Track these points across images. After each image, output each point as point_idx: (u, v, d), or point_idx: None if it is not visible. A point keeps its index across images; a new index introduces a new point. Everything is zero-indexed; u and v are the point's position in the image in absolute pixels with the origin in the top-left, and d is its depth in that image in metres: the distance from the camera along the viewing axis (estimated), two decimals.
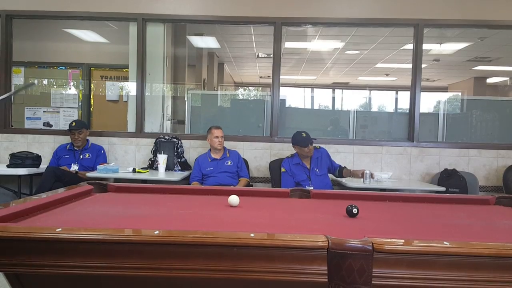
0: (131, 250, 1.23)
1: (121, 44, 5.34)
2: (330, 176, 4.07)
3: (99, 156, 4.48)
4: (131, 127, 4.85)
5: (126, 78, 5.77)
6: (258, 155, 4.65)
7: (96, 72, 6.83)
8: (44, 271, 1.26)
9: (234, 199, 1.98)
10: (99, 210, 1.84)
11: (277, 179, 4.22)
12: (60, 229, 1.26)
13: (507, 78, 9.88)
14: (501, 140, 4.71)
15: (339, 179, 4.03)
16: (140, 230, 1.30)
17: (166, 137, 4.53)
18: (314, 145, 3.90)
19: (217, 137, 4.17)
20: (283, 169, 4.00)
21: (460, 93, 10.67)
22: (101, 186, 2.36)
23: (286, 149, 4.56)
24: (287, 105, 5.40)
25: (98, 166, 4.11)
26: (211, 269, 1.23)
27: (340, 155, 4.52)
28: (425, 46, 4.72)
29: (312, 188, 3.79)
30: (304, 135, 3.90)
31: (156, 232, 1.23)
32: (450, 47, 7.23)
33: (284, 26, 4.79)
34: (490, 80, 10.24)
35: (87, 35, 6.45)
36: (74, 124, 4.37)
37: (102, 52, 6.85)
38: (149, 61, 4.88)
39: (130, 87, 5.00)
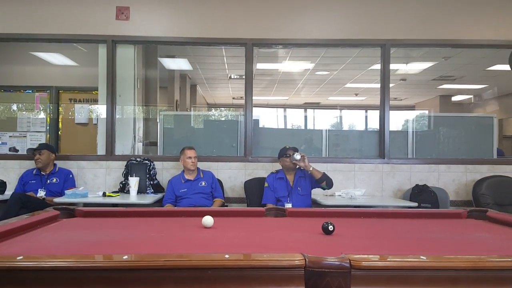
0: (99, 277, 1.16)
1: (90, 67, 5.25)
2: (318, 191, 4.05)
3: (67, 180, 4.33)
4: (101, 150, 4.73)
5: (95, 101, 5.66)
6: (233, 175, 4.61)
7: (64, 95, 6.68)
8: None
9: (208, 220, 1.93)
10: (65, 236, 1.75)
11: (253, 198, 4.19)
12: (21, 257, 1.18)
13: (471, 96, 10.29)
14: (469, 155, 4.84)
15: (317, 199, 4.02)
16: (107, 256, 1.23)
17: (138, 159, 4.43)
18: (297, 166, 3.88)
19: (190, 157, 4.11)
20: (266, 184, 3.99)
21: (427, 111, 10.99)
22: (68, 211, 2.26)
23: (260, 169, 4.55)
24: (260, 125, 5.41)
25: (66, 191, 3.96)
26: None
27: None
28: (392, 66, 4.86)
29: (290, 205, 3.80)
30: (287, 147, 3.97)
31: (125, 257, 1.17)
32: (416, 67, 7.48)
33: (256, 47, 4.84)
34: (455, 98, 10.63)
35: (55, 58, 6.33)
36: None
37: (71, 75, 6.72)
38: (119, 83, 4.80)
39: (100, 110, 4.90)
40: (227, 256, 1.20)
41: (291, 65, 7.58)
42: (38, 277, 1.17)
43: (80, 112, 6.35)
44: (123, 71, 4.84)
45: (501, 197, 4.30)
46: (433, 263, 1.22)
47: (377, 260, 1.22)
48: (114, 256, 1.20)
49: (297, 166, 3.95)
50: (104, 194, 4.02)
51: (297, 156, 3.79)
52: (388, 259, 1.23)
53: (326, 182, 3.85)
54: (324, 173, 3.87)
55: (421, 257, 1.23)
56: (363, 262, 1.19)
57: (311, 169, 3.84)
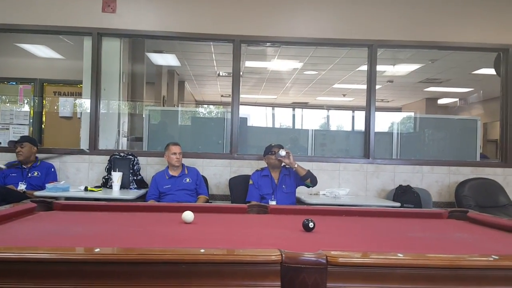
0: (70, 270, 1.13)
1: (76, 60, 5.17)
2: (302, 190, 4.06)
3: (49, 174, 4.25)
4: (85, 144, 4.66)
5: (80, 94, 5.58)
6: (218, 172, 4.58)
7: (49, 87, 6.57)
8: None
9: (188, 215, 1.90)
10: (40, 229, 1.71)
11: (237, 196, 4.17)
12: None
13: (457, 99, 10.41)
14: (452, 157, 4.88)
15: (302, 198, 4.02)
16: (79, 248, 1.20)
17: (122, 154, 4.37)
18: (282, 163, 3.87)
19: (174, 153, 4.07)
20: (250, 181, 3.97)
21: (413, 113, 11.12)
22: (46, 204, 2.21)
23: (246, 166, 4.53)
24: (249, 124, 5.39)
25: (47, 185, 3.89)
26: None
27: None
28: (380, 68, 4.88)
29: (274, 203, 3.79)
30: (272, 144, 3.96)
31: (96, 250, 1.14)
32: (403, 69, 7.54)
33: (244, 45, 4.82)
34: (441, 101, 10.76)
35: (40, 50, 6.22)
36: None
37: (56, 67, 6.61)
38: (104, 77, 4.73)
39: (84, 104, 4.83)
40: (202, 250, 1.18)
41: (280, 64, 7.57)
42: (7, 269, 1.14)
43: (65, 105, 6.25)
44: (109, 64, 4.76)
45: (483, 199, 4.35)
46: (410, 261, 1.22)
47: (354, 257, 1.21)
48: (86, 249, 1.17)
49: (282, 164, 3.94)
50: (86, 189, 3.96)
51: (282, 152, 3.78)
52: (365, 256, 1.22)
53: (310, 180, 3.85)
54: (308, 170, 3.87)
55: (399, 254, 1.23)
56: (340, 259, 1.18)
57: (296, 166, 3.83)
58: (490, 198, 4.40)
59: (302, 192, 4.17)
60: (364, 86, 4.82)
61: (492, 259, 1.28)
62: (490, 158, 6.48)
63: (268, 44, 5.08)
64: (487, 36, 4.65)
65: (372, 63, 4.68)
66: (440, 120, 5.80)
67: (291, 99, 11.66)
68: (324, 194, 4.27)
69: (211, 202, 4.27)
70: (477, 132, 5.06)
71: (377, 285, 1.19)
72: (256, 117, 9.94)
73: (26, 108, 6.20)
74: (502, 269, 1.26)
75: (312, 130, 5.23)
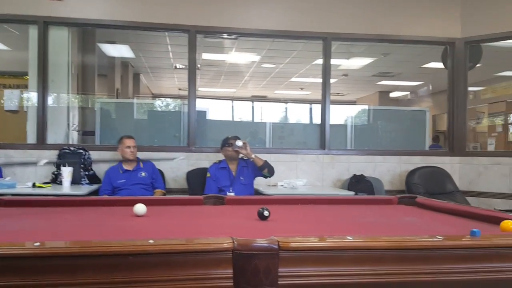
0: (6, 265, 1.06)
1: (22, 50, 4.90)
2: (260, 181, 4.05)
3: None
4: (32, 138, 4.43)
5: (27, 86, 5.30)
6: (175, 166, 4.50)
7: None
8: None
9: (139, 208, 1.85)
10: None
11: (196, 188, 4.12)
12: None
13: (408, 93, 10.82)
14: (403, 147, 5.06)
15: (260, 189, 4.03)
16: (16, 243, 1.13)
17: (72, 148, 4.20)
18: (239, 155, 3.84)
19: (129, 147, 3.96)
20: (208, 174, 3.93)
21: (367, 106, 11.45)
22: None
23: (204, 159, 4.48)
24: (208, 117, 5.33)
25: None
26: (104, 283, 1.10)
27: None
28: (335, 61, 4.97)
29: (232, 195, 3.78)
30: (229, 136, 3.96)
31: (36, 244, 1.08)
32: (357, 63, 7.73)
33: (200, 36, 4.74)
34: (393, 94, 11.14)
35: None
36: None
37: (1, 59, 6.25)
38: (52, 68, 4.51)
39: (31, 96, 4.59)
40: (151, 241, 1.14)
41: (238, 56, 7.55)
42: None
43: (10, 98, 5.91)
44: (57, 55, 4.55)
45: (431, 186, 4.55)
46: (358, 243, 1.24)
47: (305, 241, 1.22)
48: (24, 243, 1.11)
49: (240, 156, 3.94)
50: (33, 185, 3.78)
51: (239, 143, 3.77)
52: (316, 240, 1.24)
53: (267, 170, 3.88)
54: (265, 160, 3.90)
55: (348, 237, 1.25)
56: (291, 244, 1.18)
57: (253, 156, 3.85)
58: (438, 185, 4.61)
59: (260, 183, 4.19)
60: (320, 80, 4.89)
61: (436, 239, 1.32)
62: (443, 147, 6.78)
63: (224, 35, 5.03)
64: (435, 29, 4.84)
65: (326, 56, 4.75)
66: (391, 112, 6.01)
67: (250, 93, 11.67)
68: (282, 185, 4.31)
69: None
70: (426, 123, 5.27)
71: (328, 268, 1.20)
72: (216, 110, 9.87)
73: None
74: (447, 249, 1.31)
75: (270, 123, 5.27)
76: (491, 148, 7.26)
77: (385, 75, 8.90)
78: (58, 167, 4.07)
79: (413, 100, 10.75)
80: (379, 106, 10.57)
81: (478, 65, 5.10)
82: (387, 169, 4.76)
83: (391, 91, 10.91)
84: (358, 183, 4.34)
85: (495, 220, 1.71)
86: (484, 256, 1.30)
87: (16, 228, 1.57)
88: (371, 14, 4.77)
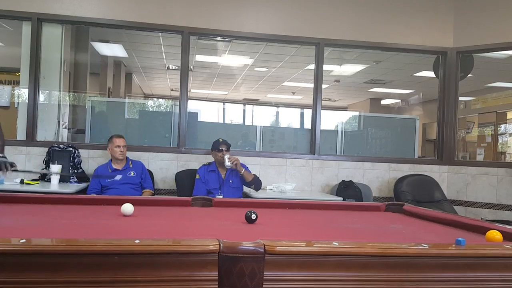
0: None
1: (15, 46, 4.86)
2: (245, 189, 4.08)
3: None
4: (22, 135, 4.39)
5: (18, 82, 5.25)
6: (165, 166, 4.48)
7: None
8: None
9: (126, 207, 1.84)
10: None
11: (184, 190, 4.10)
12: None
13: (399, 100, 10.90)
14: (392, 155, 5.10)
15: (249, 193, 4.04)
16: (3, 239, 1.12)
17: (61, 146, 4.17)
18: (228, 157, 3.82)
19: (118, 146, 3.93)
20: (197, 176, 3.93)
21: (357, 112, 11.54)
22: None
23: (194, 160, 4.47)
24: (200, 119, 5.33)
25: None
26: (88, 281, 1.09)
27: (248, 166, 4.54)
28: (327, 67, 5.00)
29: (221, 197, 3.78)
30: (220, 140, 3.94)
31: (22, 241, 1.07)
32: (349, 69, 7.78)
33: (193, 38, 4.75)
34: (384, 102, 11.22)
35: None
36: None
37: None
38: (44, 65, 4.47)
39: (22, 92, 4.55)
40: (137, 241, 1.14)
41: (231, 59, 7.55)
42: None
43: (1, 94, 5.86)
44: (49, 52, 4.52)
45: (419, 194, 4.58)
46: (344, 249, 1.25)
47: (291, 246, 1.22)
48: (9, 240, 1.10)
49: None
50: (22, 182, 3.74)
51: (228, 163, 3.76)
52: (302, 245, 1.24)
53: (254, 186, 3.94)
54: (254, 176, 3.94)
55: (334, 243, 1.26)
56: (277, 247, 1.18)
57: (242, 172, 3.88)
58: (427, 193, 4.64)
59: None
60: (312, 85, 4.92)
61: (422, 247, 1.33)
62: (427, 157, 6.85)
63: (218, 37, 5.04)
64: (427, 39, 4.89)
65: (319, 62, 4.77)
66: (382, 119, 6.05)
67: (242, 96, 11.68)
68: (271, 189, 4.32)
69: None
70: (415, 131, 5.32)
71: (313, 273, 1.21)
72: (207, 112, 9.87)
73: None
74: (432, 257, 1.32)
75: (261, 126, 5.28)
76: (480, 158, 7.35)
77: (376, 82, 8.97)
78: (48, 165, 4.03)
79: (403, 108, 10.84)
80: (370, 113, 10.65)
81: (469, 75, 5.17)
82: (376, 176, 4.79)
83: (382, 99, 10.99)
84: (346, 189, 4.36)
85: (481, 230, 1.73)
86: (469, 265, 1.32)
87: (2, 225, 1.55)
88: (364, 21, 4.81)
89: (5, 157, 2.01)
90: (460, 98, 5.31)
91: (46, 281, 1.07)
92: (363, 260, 1.27)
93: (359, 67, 7.60)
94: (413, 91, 9.82)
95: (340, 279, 1.25)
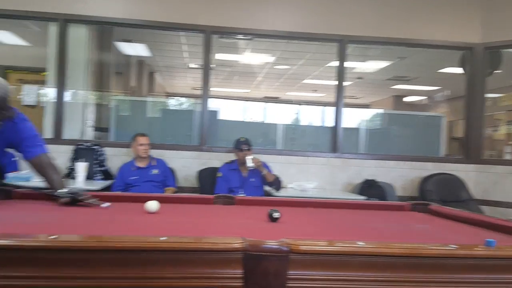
0: (23, 257, 1.08)
1: (42, 47, 4.99)
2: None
3: (10, 164, 4.09)
4: (48, 133, 4.51)
5: (44, 82, 5.39)
6: (187, 164, 4.53)
7: (13, 75, 6.32)
8: None
9: (151, 204, 1.87)
10: None
11: (206, 188, 4.14)
12: None
13: (424, 97, 10.69)
14: (417, 153, 5.01)
15: (270, 191, 4.05)
16: (34, 235, 1.16)
17: (86, 144, 4.25)
18: (251, 158, 3.82)
19: (142, 144, 4.00)
20: (219, 174, 3.96)
21: (381, 110, 11.37)
22: (4, 192, 2.12)
23: (215, 158, 4.50)
24: (220, 117, 5.36)
25: (8, 174, 3.73)
26: (116, 277, 1.11)
27: (268, 164, 4.53)
28: (349, 64, 4.95)
29: (243, 195, 3.79)
30: (242, 139, 3.94)
31: (52, 237, 1.10)
32: (372, 66, 7.67)
33: (215, 36, 4.77)
34: (407, 99, 11.02)
35: (3, 35, 5.95)
36: None
37: (21, 54, 6.36)
38: (69, 65, 4.58)
39: (49, 92, 4.66)
40: (163, 238, 1.16)
41: (252, 57, 7.55)
42: None
43: (29, 93, 6.03)
44: (75, 52, 4.62)
45: (445, 194, 4.49)
46: (370, 249, 1.23)
47: (316, 245, 1.21)
48: (41, 236, 1.13)
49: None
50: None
51: (250, 163, 3.77)
52: (326, 244, 1.23)
53: (275, 187, 3.98)
54: (276, 177, 3.94)
55: (359, 242, 1.24)
56: (302, 247, 1.17)
57: (264, 172, 3.88)
58: (452, 193, 4.55)
59: None
60: (333, 82, 4.87)
61: (450, 248, 1.30)
62: (453, 155, 6.69)
63: (239, 36, 5.05)
64: (454, 34, 4.78)
65: (341, 59, 4.73)
66: (406, 117, 5.95)
67: (263, 94, 11.67)
68: (292, 187, 4.30)
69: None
70: (441, 128, 5.21)
71: (337, 273, 1.20)
72: (228, 110, 9.92)
73: None
74: (460, 258, 1.29)
75: (282, 124, 5.27)
76: (508, 156, 7.13)
77: (400, 79, 8.81)
78: (73, 162, 4.12)
79: (428, 106, 10.62)
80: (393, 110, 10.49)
81: (497, 71, 5.02)
82: (400, 175, 4.71)
83: (406, 96, 10.79)
84: (369, 188, 4.31)
85: (511, 231, 1.68)
86: (499, 267, 1.28)
87: (31, 221, 1.59)
88: (388, 17, 4.73)
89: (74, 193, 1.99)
90: (488, 95, 5.17)
91: (78, 277, 1.09)
92: (389, 261, 1.24)
93: (382, 64, 7.49)
94: (439, 87, 9.61)
95: (365, 279, 1.23)
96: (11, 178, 3.66)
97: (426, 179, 4.57)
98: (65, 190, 2.00)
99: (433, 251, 1.31)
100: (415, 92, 10.30)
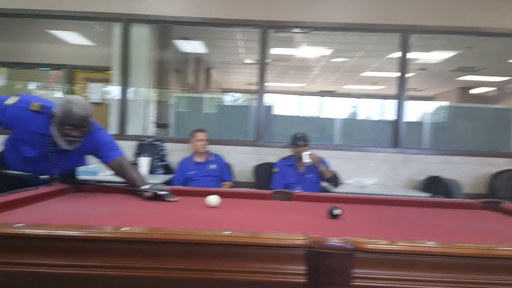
0: (97, 247, 1.15)
1: (105, 46, 5.25)
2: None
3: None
4: (113, 129, 4.75)
5: (108, 80, 5.68)
6: (243, 159, 4.57)
7: (79, 74, 6.71)
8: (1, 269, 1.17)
9: (213, 199, 1.91)
10: (69, 209, 1.75)
11: (262, 183, 4.16)
12: (20, 225, 1.18)
13: (492, 89, 10.00)
14: (485, 148, 4.70)
15: (327, 187, 3.99)
16: (105, 227, 1.22)
17: (148, 139, 4.43)
18: (308, 153, 3.78)
19: (200, 140, 4.09)
20: (276, 169, 3.96)
21: (447, 102, 10.80)
22: (76, 186, 2.27)
23: (271, 154, 4.50)
24: (275, 112, 5.36)
25: (77, 168, 3.97)
26: (183, 269, 1.15)
27: (326, 160, 4.47)
28: (412, 55, 4.73)
29: (300, 191, 3.77)
30: (299, 135, 3.90)
31: (123, 229, 1.15)
32: (437, 56, 7.28)
33: (271, 31, 4.76)
34: (474, 91, 10.37)
35: (70, 36, 6.34)
36: None
37: (87, 54, 6.73)
38: (132, 63, 4.79)
39: (113, 90, 4.91)
40: (227, 233, 1.17)
41: (308, 50, 7.45)
42: (36, 245, 1.16)
43: (94, 91, 6.39)
44: (137, 51, 4.82)
45: None
46: (439, 249, 1.17)
47: (382, 244, 1.17)
48: (112, 228, 1.19)
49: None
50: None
51: (306, 158, 3.72)
52: (394, 243, 1.19)
53: (333, 183, 3.87)
54: (334, 174, 3.85)
55: (427, 242, 1.19)
56: (367, 245, 1.15)
57: (322, 168, 3.82)
58: None
59: None
60: (395, 74, 4.69)
61: None
62: None
63: (296, 29, 4.99)
64: None
65: (404, 50, 4.53)
66: (473, 110, 5.61)
67: (319, 87, 11.50)
68: (350, 184, 4.21)
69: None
70: (511, 121, 4.86)
71: (405, 273, 1.16)
72: (283, 105, 9.90)
73: (58, 94, 6.36)
74: None
75: (339, 119, 5.16)
76: None
77: (467, 69, 8.30)
78: (137, 157, 4.31)
79: (497, 97, 9.93)
80: (460, 103, 9.94)
81: None
82: (466, 171, 4.45)
83: (472, 87, 10.16)
84: (434, 184, 4.11)
85: None
86: None
87: (100, 213, 1.68)
88: (454, 4, 4.45)
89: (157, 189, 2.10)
90: None
91: (145, 267, 1.14)
92: (460, 262, 1.19)
93: (448, 54, 7.09)
94: (509, 78, 8.95)
95: (434, 280, 1.18)
96: (80, 172, 3.90)
97: (496, 176, 4.29)
98: (147, 186, 2.10)
99: (506, 252, 1.23)
100: (483, 84, 9.66)
